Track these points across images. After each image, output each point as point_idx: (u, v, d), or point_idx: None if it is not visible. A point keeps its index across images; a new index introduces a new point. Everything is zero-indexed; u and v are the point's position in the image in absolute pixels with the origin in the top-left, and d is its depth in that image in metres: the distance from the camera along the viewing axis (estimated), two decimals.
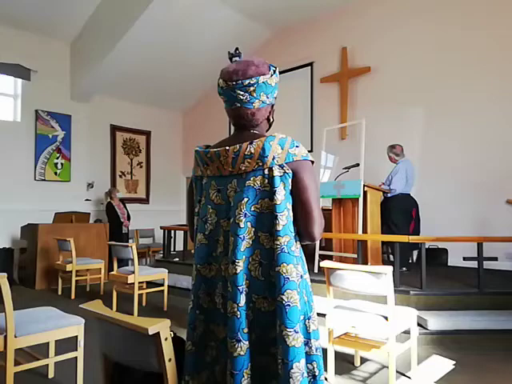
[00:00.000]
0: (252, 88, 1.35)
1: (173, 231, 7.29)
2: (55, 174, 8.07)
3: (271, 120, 1.48)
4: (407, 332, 3.02)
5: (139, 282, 4.85)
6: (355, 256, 4.65)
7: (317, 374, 1.28)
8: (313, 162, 1.35)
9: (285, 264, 1.26)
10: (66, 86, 8.21)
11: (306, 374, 1.24)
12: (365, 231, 4.87)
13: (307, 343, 1.29)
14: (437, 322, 3.95)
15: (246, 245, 1.30)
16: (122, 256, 5.08)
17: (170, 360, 1.32)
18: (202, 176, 1.43)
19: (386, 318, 2.73)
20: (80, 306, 1.48)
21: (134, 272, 4.75)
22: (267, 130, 1.49)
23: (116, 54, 7.46)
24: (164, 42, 7.66)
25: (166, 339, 1.31)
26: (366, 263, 4.73)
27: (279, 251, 1.27)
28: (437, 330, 3.90)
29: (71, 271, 5.79)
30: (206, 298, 1.39)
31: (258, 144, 1.30)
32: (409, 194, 5.53)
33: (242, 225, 1.29)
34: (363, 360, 3.34)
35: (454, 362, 3.30)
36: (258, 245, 1.30)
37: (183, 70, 8.64)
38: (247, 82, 1.34)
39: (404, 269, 5.07)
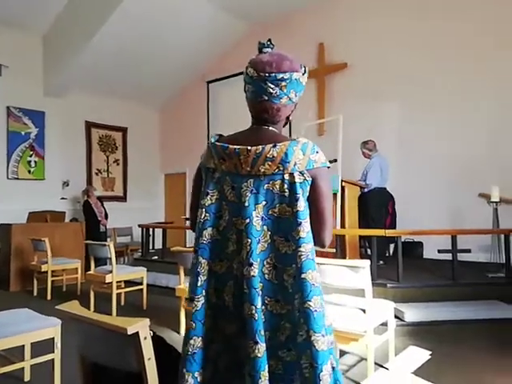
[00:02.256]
0: (284, 83, 1.32)
1: (151, 229, 7.23)
2: (29, 172, 7.87)
3: (290, 118, 1.46)
4: (385, 324, 3.07)
5: (117, 282, 4.79)
6: (334, 250, 4.71)
7: (335, 365, 1.31)
8: (329, 168, 1.35)
9: (310, 271, 1.27)
10: (39, 81, 7.99)
11: (334, 373, 1.28)
12: (343, 226, 4.94)
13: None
14: (413, 313, 4.04)
15: (261, 248, 1.29)
16: (100, 255, 5.00)
17: (149, 359, 1.30)
18: (214, 169, 1.38)
19: (364, 311, 2.78)
20: (56, 307, 1.45)
21: (111, 271, 4.69)
22: (283, 126, 1.47)
23: (91, 48, 7.32)
24: (140, 36, 7.55)
25: (145, 338, 1.30)
26: (345, 257, 4.79)
27: (304, 258, 1.27)
28: (413, 322, 4.00)
29: (47, 272, 5.67)
30: (215, 294, 1.37)
31: (281, 148, 1.27)
32: (385, 188, 5.63)
33: (258, 228, 1.29)
34: (342, 353, 3.38)
35: (430, 353, 3.38)
36: (273, 248, 1.30)
37: (160, 65, 8.54)
38: (281, 75, 1.31)
39: (381, 262, 5.16)
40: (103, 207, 7.93)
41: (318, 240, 1.35)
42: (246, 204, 1.30)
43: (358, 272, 2.76)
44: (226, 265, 1.36)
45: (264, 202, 1.30)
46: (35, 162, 7.96)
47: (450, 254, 4.58)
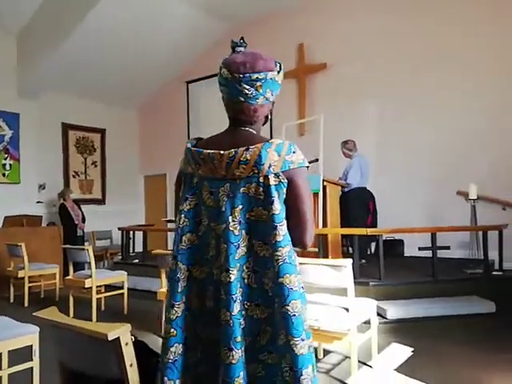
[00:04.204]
0: (259, 83, 1.29)
1: (131, 232, 7.13)
2: (3, 175, 7.66)
3: (269, 118, 1.44)
4: (367, 322, 3.10)
5: (97, 286, 4.71)
6: (316, 250, 4.72)
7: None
8: (308, 167, 1.34)
9: (287, 275, 1.25)
10: (13, 82, 7.77)
11: (313, 379, 1.26)
12: (325, 225, 4.96)
13: None
14: (395, 311, 4.09)
15: (240, 253, 1.27)
16: (78, 260, 4.90)
17: (131, 365, 1.28)
18: (192, 174, 1.36)
19: (347, 310, 2.79)
20: (34, 313, 1.41)
21: (91, 276, 4.60)
22: (263, 125, 1.45)
23: (67, 48, 7.17)
24: (117, 36, 7.44)
25: (126, 344, 1.27)
26: (327, 257, 4.82)
27: (281, 262, 1.25)
28: (395, 319, 4.04)
29: (23, 278, 5.52)
30: (196, 300, 1.35)
31: (254, 151, 1.25)
32: (365, 188, 5.69)
33: (236, 232, 1.27)
34: (326, 352, 3.40)
35: (412, 349, 3.42)
36: (252, 253, 1.29)
37: (138, 65, 8.43)
38: (255, 76, 1.28)
39: (363, 261, 5.21)
40: (80, 210, 7.78)
41: (298, 242, 1.33)
42: (223, 209, 1.29)
43: (341, 271, 2.77)
44: (206, 270, 1.34)
45: (241, 206, 1.28)
46: (10, 164, 7.75)
47: (430, 252, 4.65)
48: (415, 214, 6.22)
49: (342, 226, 5.26)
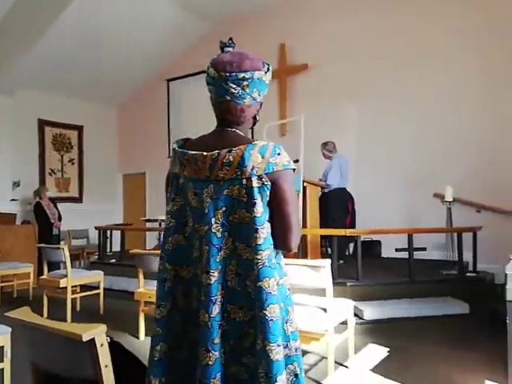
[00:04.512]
0: (246, 83, 1.30)
1: (109, 231, 7.02)
2: None
3: (257, 119, 1.43)
4: (344, 323, 3.12)
5: (72, 286, 4.63)
6: (295, 250, 4.74)
7: (298, 372, 1.29)
8: (294, 170, 1.32)
9: (267, 279, 1.24)
10: None
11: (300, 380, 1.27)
12: (304, 226, 4.98)
13: (287, 346, 1.29)
14: (372, 311, 4.14)
15: (222, 255, 1.27)
16: (53, 259, 4.80)
17: (106, 366, 1.25)
18: (178, 175, 1.36)
19: (325, 310, 2.81)
20: (6, 313, 1.37)
21: (66, 275, 4.51)
22: (251, 127, 1.45)
23: (43, 43, 7.02)
24: (96, 31, 7.31)
25: (101, 345, 1.24)
26: (306, 257, 4.84)
27: (261, 266, 1.24)
28: (372, 320, 4.09)
29: None
30: (183, 299, 1.35)
31: (237, 152, 1.24)
32: (345, 189, 5.75)
33: (219, 234, 1.26)
34: (303, 353, 3.40)
35: (388, 350, 3.47)
36: (235, 255, 1.28)
37: (118, 62, 8.31)
38: (242, 75, 1.29)
39: (341, 261, 5.26)
40: (56, 209, 7.61)
41: (283, 245, 1.32)
42: (206, 211, 1.28)
43: (319, 271, 2.78)
44: (191, 271, 1.34)
45: (224, 208, 1.27)
46: None
47: (407, 253, 4.73)
48: (393, 216, 6.31)
49: (321, 227, 5.30)
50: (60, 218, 7.57)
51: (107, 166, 9.79)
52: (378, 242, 6.49)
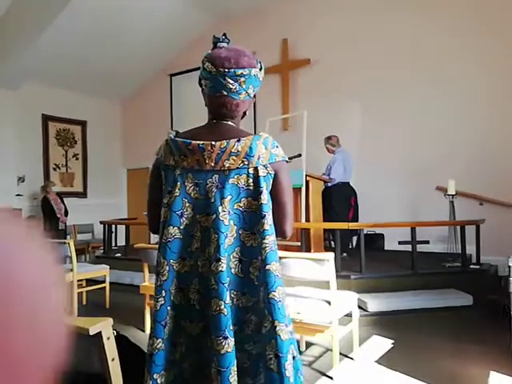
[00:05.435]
0: (243, 79, 1.33)
1: (113, 226, 7.05)
2: None
3: (247, 113, 1.49)
4: (349, 315, 3.14)
5: (78, 280, 4.67)
6: (299, 244, 4.76)
7: (295, 354, 1.32)
8: (288, 162, 1.39)
9: (274, 262, 1.29)
10: None
11: (297, 361, 1.31)
12: (307, 220, 4.99)
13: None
14: (376, 303, 4.16)
15: (228, 242, 1.30)
16: (59, 253, 4.84)
17: (113, 359, 1.27)
18: (175, 166, 1.36)
19: (329, 303, 2.83)
20: None
21: (72, 270, 4.54)
22: (241, 119, 1.50)
23: (47, 36, 6.99)
24: (100, 26, 7.29)
25: (108, 338, 1.26)
26: (309, 250, 4.86)
27: (269, 250, 1.29)
28: (376, 312, 4.11)
29: None
30: (179, 294, 1.35)
31: (245, 142, 1.30)
32: (348, 183, 5.74)
33: (226, 222, 1.29)
34: (308, 344, 3.44)
35: (392, 341, 3.49)
36: (238, 242, 1.32)
37: (121, 57, 8.29)
38: (240, 71, 1.32)
39: (344, 254, 5.27)
40: (63, 203, 7.66)
41: (280, 231, 1.39)
42: (212, 200, 1.31)
43: (323, 265, 2.80)
44: (189, 263, 1.35)
45: (230, 197, 1.30)
46: None
47: (410, 245, 4.73)
48: (395, 209, 6.30)
49: (324, 221, 5.30)
50: (66, 213, 7.62)
51: (111, 160, 9.81)
52: (381, 235, 6.49)
